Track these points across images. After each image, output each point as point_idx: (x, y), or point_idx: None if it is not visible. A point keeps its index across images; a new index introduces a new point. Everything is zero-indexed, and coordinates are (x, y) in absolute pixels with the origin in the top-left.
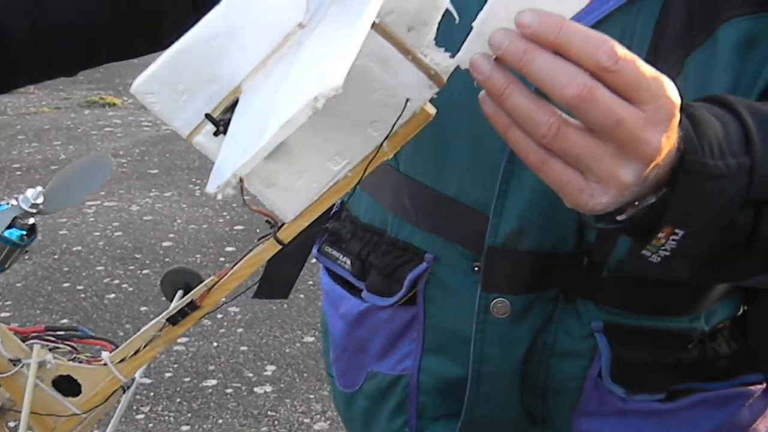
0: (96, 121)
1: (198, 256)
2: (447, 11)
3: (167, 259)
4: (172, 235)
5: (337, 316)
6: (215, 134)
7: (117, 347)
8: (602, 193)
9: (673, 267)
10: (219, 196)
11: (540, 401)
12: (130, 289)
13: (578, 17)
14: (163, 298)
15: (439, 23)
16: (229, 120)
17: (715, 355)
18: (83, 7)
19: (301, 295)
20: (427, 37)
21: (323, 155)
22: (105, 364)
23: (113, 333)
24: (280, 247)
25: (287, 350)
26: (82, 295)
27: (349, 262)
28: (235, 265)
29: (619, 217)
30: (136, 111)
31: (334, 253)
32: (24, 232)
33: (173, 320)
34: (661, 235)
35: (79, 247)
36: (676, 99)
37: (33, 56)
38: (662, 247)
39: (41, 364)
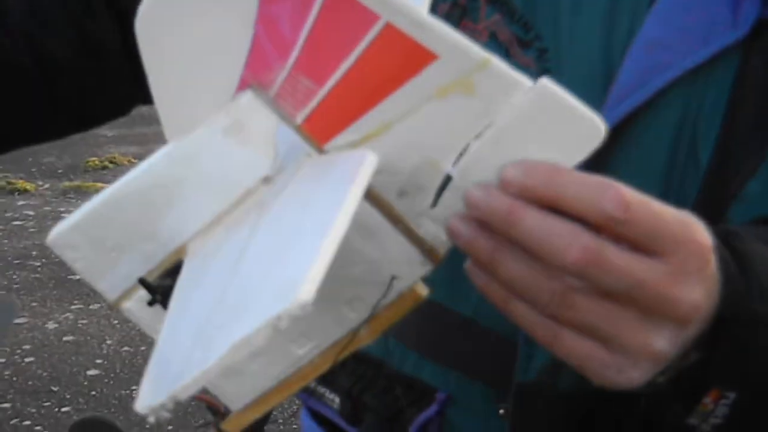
0: (2, 212)
1: (134, 387)
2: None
3: (93, 393)
4: (99, 361)
5: None
6: (150, 303)
7: None
8: (632, 366)
9: None
10: (151, 419)
11: None
12: None
13: (626, 91)
14: None
15: None
16: (169, 288)
17: None
18: None
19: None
20: (423, 204)
21: (285, 335)
22: None
23: None
24: None
25: None
26: None
27: (338, 400)
28: None
29: (660, 380)
30: (54, 199)
31: (320, 388)
32: None
33: None
34: (707, 400)
35: None
36: (707, 240)
37: None
38: (712, 414)
39: None
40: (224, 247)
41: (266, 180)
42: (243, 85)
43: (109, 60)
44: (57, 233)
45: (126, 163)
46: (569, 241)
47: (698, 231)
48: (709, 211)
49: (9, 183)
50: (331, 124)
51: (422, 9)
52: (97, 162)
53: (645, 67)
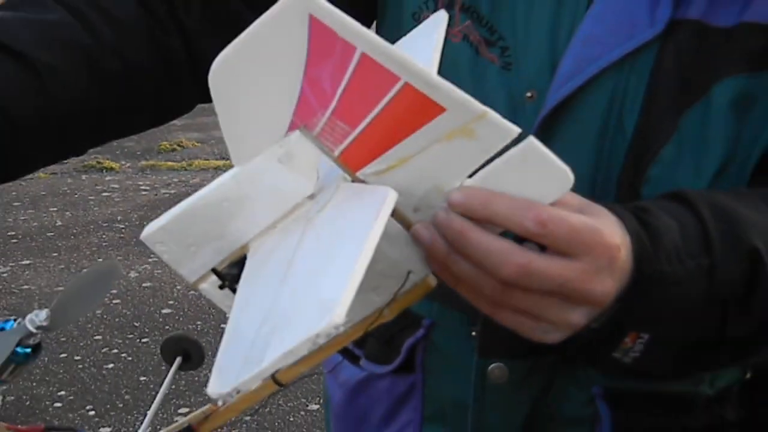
0: (93, 186)
1: (199, 323)
2: None
3: (167, 327)
4: (171, 302)
5: (336, 385)
6: (221, 287)
7: None
8: (554, 330)
9: (647, 364)
10: (219, 402)
11: None
12: (129, 358)
13: (566, 77)
14: (164, 367)
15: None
16: (236, 275)
17: (722, 423)
18: (88, 93)
19: None
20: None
21: None
22: None
23: (112, 404)
24: (277, 387)
25: (291, 419)
26: (80, 366)
27: None
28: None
29: (594, 325)
30: (134, 175)
31: None
32: (29, 351)
33: None
34: (627, 339)
35: None
36: (614, 240)
37: (42, 147)
38: (631, 350)
39: None
40: (278, 249)
41: (311, 197)
42: (293, 126)
43: (178, 68)
44: (149, 232)
45: (191, 146)
46: (503, 258)
47: (606, 234)
48: (633, 171)
49: (98, 163)
50: (362, 157)
51: (432, 71)
52: (167, 145)
53: (581, 58)
